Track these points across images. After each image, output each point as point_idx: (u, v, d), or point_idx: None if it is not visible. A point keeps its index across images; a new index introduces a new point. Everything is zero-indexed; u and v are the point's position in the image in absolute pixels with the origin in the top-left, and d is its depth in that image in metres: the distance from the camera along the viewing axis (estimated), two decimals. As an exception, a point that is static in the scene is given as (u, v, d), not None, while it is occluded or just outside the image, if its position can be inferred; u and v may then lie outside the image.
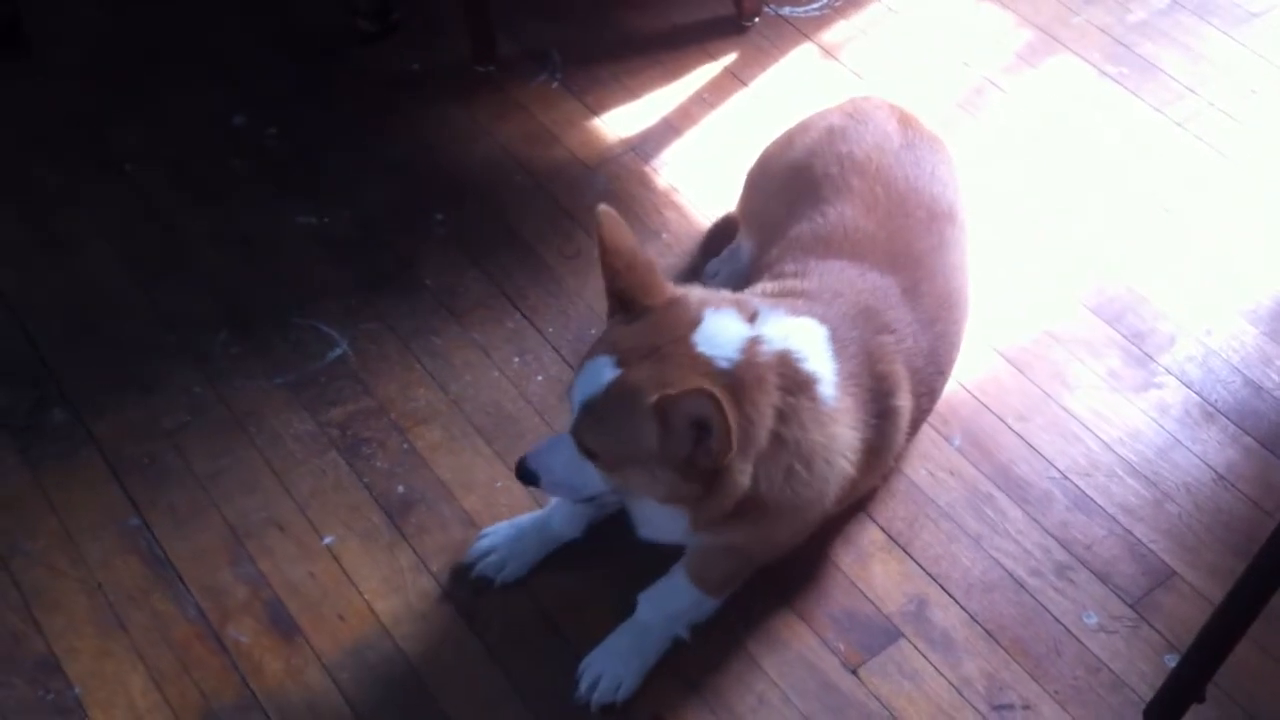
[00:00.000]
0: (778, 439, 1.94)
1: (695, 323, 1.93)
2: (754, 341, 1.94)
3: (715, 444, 1.83)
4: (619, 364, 1.90)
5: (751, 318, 2.00)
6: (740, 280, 2.50)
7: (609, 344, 1.95)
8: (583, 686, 2.10)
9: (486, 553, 2.25)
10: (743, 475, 1.92)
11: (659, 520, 2.08)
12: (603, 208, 1.99)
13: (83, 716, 2.11)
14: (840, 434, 2.03)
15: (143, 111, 3.04)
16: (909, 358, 2.17)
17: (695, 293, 2.03)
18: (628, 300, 1.98)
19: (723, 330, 1.94)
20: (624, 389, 1.88)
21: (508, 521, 2.29)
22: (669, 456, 1.87)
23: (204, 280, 2.71)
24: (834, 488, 2.04)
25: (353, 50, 3.17)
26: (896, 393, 2.13)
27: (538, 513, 2.29)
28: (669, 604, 2.14)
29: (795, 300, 2.13)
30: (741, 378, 1.90)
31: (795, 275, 2.21)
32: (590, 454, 1.94)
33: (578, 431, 1.94)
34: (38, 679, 2.15)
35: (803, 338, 2.02)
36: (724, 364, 1.90)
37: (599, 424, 1.92)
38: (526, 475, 2.02)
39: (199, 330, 2.62)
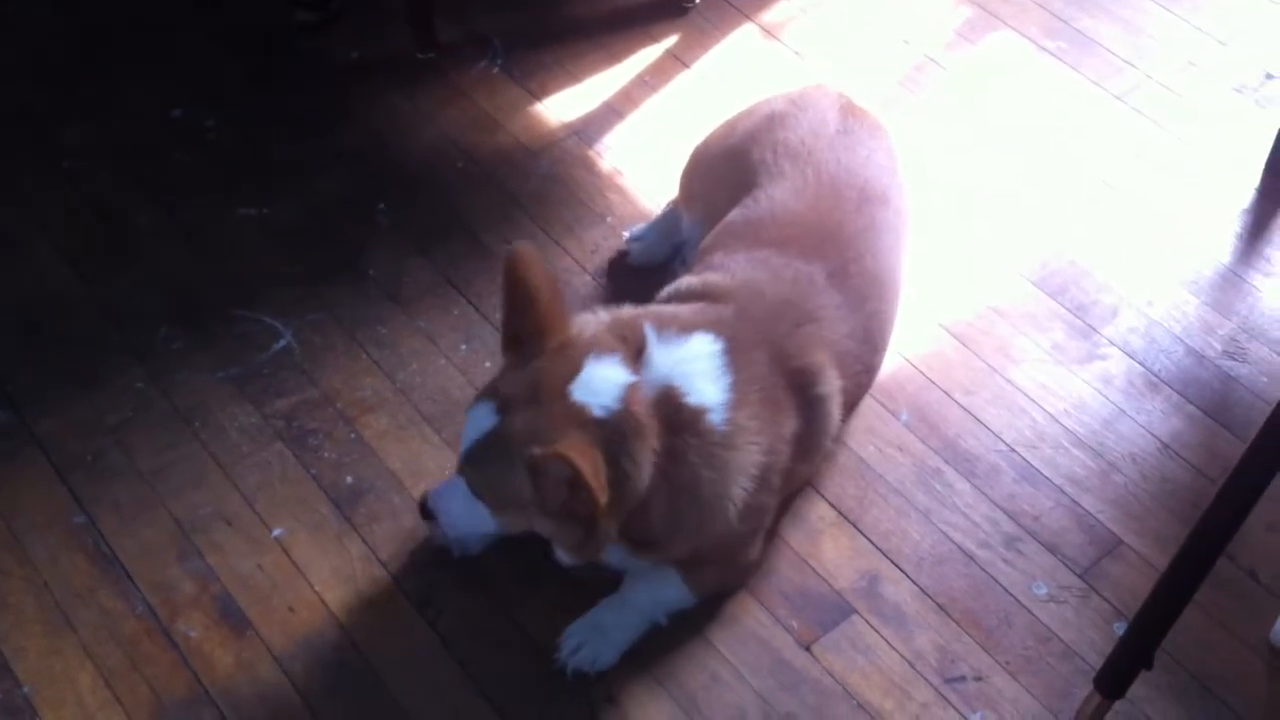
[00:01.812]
0: (664, 478, 1.96)
1: (575, 371, 1.94)
2: (633, 388, 1.95)
3: (586, 500, 1.85)
4: (499, 410, 1.94)
5: (638, 352, 2.00)
6: (670, 249, 2.62)
7: (493, 389, 1.98)
8: (564, 651, 2.12)
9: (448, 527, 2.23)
10: (618, 519, 1.94)
11: (612, 552, 2.08)
12: (519, 245, 1.99)
13: (32, 715, 2.08)
14: (732, 459, 2.02)
15: (84, 106, 3.00)
16: (835, 342, 2.19)
17: (586, 332, 2.02)
18: (522, 340, 1.99)
19: (602, 378, 1.94)
20: (500, 439, 1.92)
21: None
22: (545, 507, 1.91)
23: (147, 274, 2.68)
24: (733, 510, 2.04)
25: (294, 41, 3.15)
26: (818, 382, 2.14)
27: None
28: (655, 587, 2.15)
29: (703, 306, 2.13)
30: (619, 427, 1.91)
31: (721, 268, 2.22)
32: (478, 496, 2.01)
33: (465, 476, 2.02)
34: (-15, 680, 2.13)
35: (690, 366, 2.01)
36: (601, 413, 1.91)
37: (479, 471, 1.99)
38: (426, 514, 2.13)
39: (142, 325, 2.59)
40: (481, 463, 1.97)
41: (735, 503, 2.03)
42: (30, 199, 2.82)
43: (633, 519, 1.97)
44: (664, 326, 2.05)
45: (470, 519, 2.06)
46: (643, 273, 2.62)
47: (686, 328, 2.06)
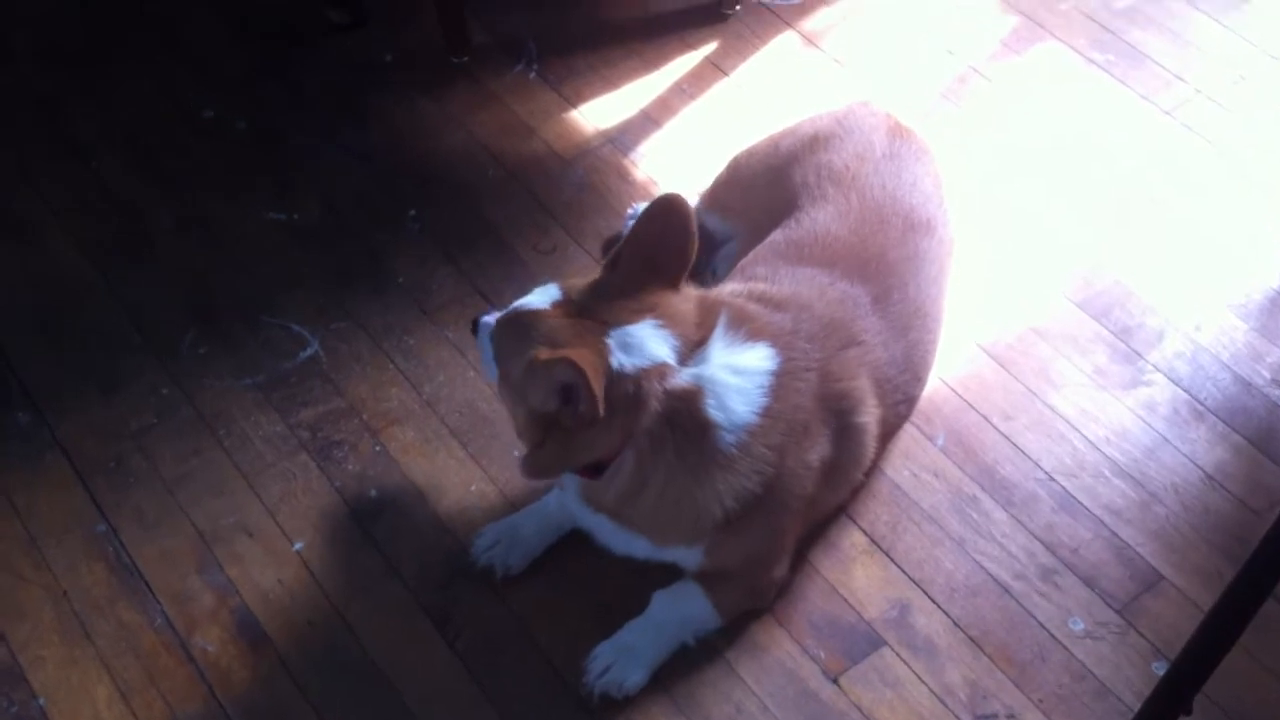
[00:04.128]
0: (637, 460, 1.94)
1: (629, 322, 1.92)
2: (661, 368, 1.91)
3: (581, 411, 1.85)
4: (552, 304, 1.96)
5: (700, 343, 1.96)
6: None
7: (570, 284, 1.99)
8: (591, 673, 2.08)
9: (490, 545, 2.21)
10: (572, 458, 1.96)
11: (621, 539, 2.09)
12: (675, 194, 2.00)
13: (46, 728, 2.07)
14: (722, 480, 1.96)
15: (111, 104, 2.97)
16: (877, 368, 2.14)
17: (675, 302, 1.98)
18: (629, 269, 1.97)
19: (641, 342, 1.91)
20: (532, 324, 1.94)
21: (504, 520, 2.25)
22: (531, 404, 1.92)
23: (172, 277, 2.66)
24: (703, 526, 2.00)
25: (324, 41, 3.11)
26: (858, 410, 2.10)
27: (533, 504, 2.25)
28: (682, 605, 2.11)
29: (763, 312, 2.08)
30: (621, 388, 1.89)
31: (766, 279, 2.18)
32: (495, 349, 2.03)
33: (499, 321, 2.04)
34: (1, 689, 2.10)
35: (734, 379, 1.96)
36: (615, 365, 1.89)
37: (503, 332, 2.01)
38: (475, 327, 2.14)
39: (167, 328, 2.57)
40: (509, 328, 1.99)
41: (704, 519, 1.99)
42: (54, 197, 2.79)
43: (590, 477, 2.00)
44: (736, 326, 2.01)
45: (486, 356, 2.08)
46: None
47: (754, 335, 2.01)
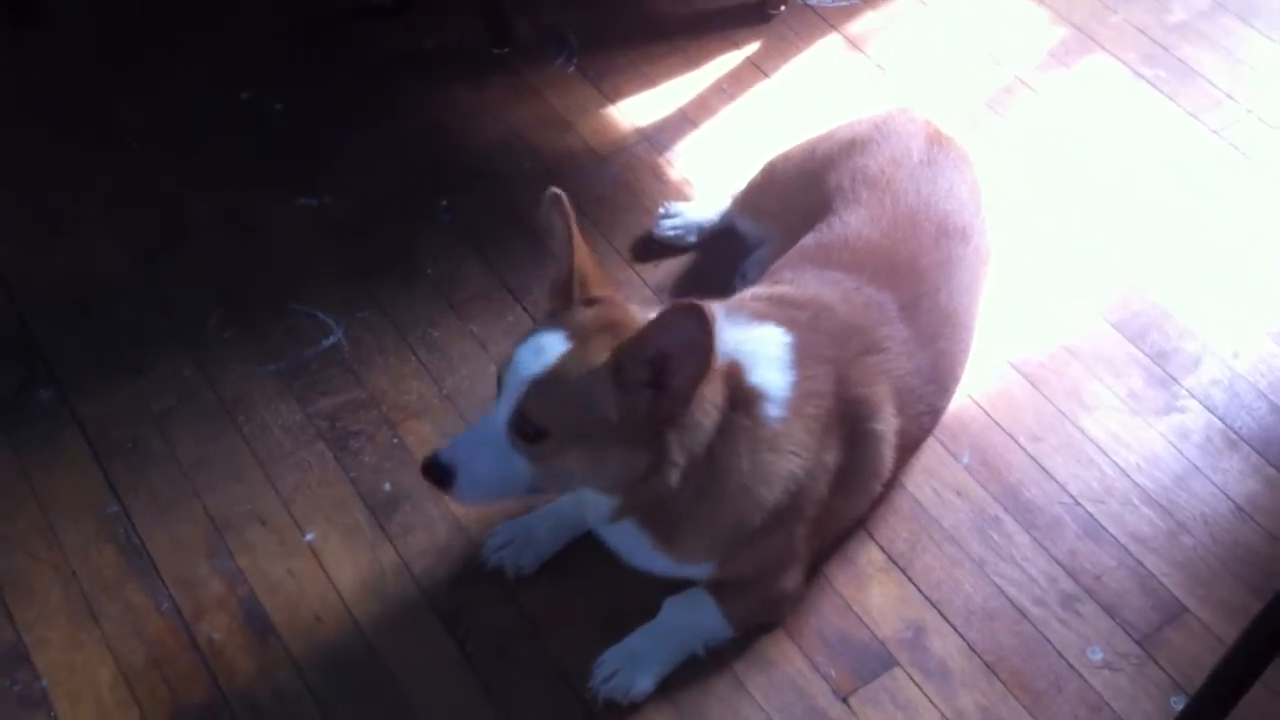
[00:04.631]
0: (707, 452, 1.88)
1: (642, 318, 1.86)
2: None
3: (693, 366, 1.74)
4: (571, 337, 1.83)
5: None
6: (697, 234, 2.64)
7: (556, 322, 1.86)
8: (597, 678, 2.05)
9: (502, 545, 2.18)
10: (683, 451, 1.85)
11: (640, 553, 2.05)
12: (556, 191, 1.89)
13: (49, 709, 2.06)
14: (771, 462, 1.93)
15: (149, 87, 2.98)
16: (899, 377, 2.10)
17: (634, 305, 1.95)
18: (581, 284, 1.89)
19: None
20: (582, 358, 1.80)
21: (517, 520, 2.21)
22: (627, 413, 1.79)
23: (202, 261, 2.65)
24: (752, 517, 1.95)
25: (365, 25, 3.10)
26: (875, 416, 2.06)
27: (547, 505, 2.21)
28: (693, 613, 2.08)
29: (773, 306, 2.05)
30: None
31: (790, 283, 2.14)
32: (534, 435, 1.83)
33: (523, 409, 1.82)
34: (5, 669, 2.10)
35: (757, 348, 1.94)
36: None
37: (552, 396, 1.81)
38: (437, 472, 1.87)
39: (193, 311, 2.56)
40: (556, 385, 1.80)
41: (759, 507, 1.94)
42: (89, 178, 2.80)
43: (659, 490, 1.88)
44: (734, 311, 1.98)
45: (500, 470, 1.86)
46: (704, 288, 2.53)
47: (758, 316, 1.99)
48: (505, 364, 1.87)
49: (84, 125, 2.90)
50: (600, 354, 1.80)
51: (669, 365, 1.76)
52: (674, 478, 1.87)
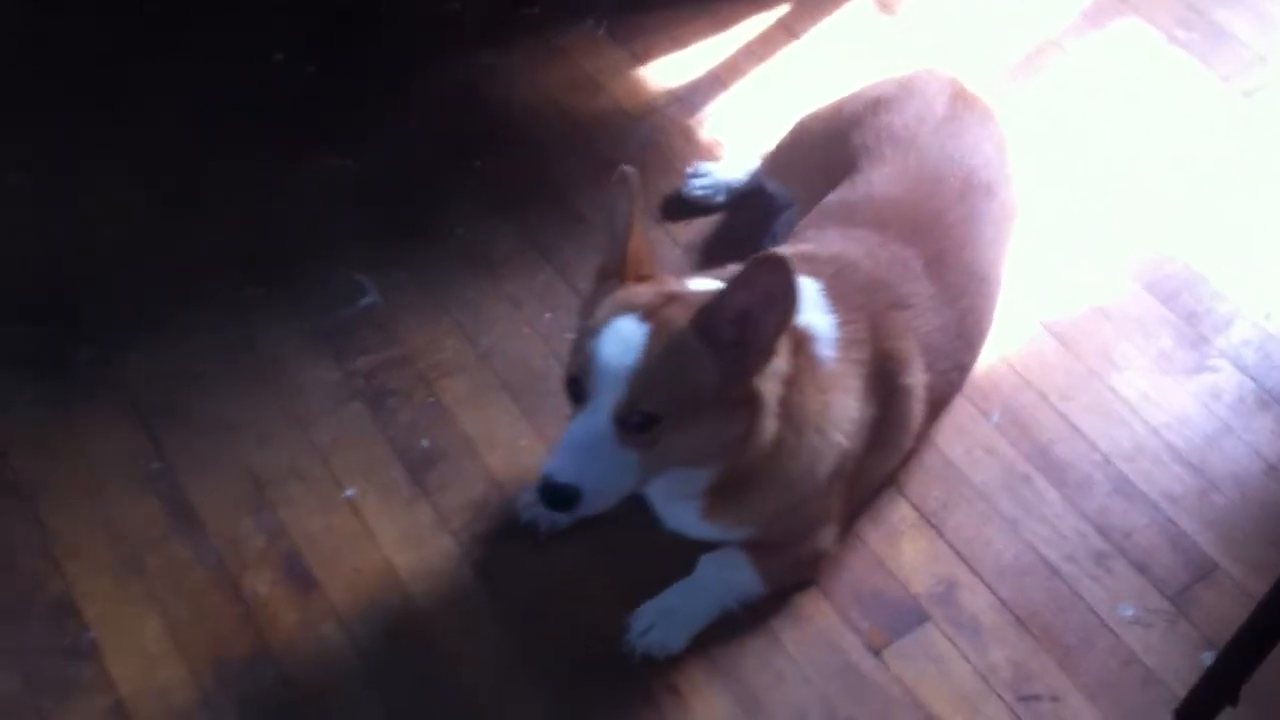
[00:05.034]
0: (780, 405, 1.89)
1: (688, 287, 1.89)
2: None
3: (778, 315, 1.75)
4: (644, 318, 1.81)
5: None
6: (726, 195, 2.66)
7: (620, 306, 1.84)
8: (633, 632, 2.08)
9: (534, 501, 2.19)
10: (771, 400, 1.86)
11: (681, 513, 2.06)
12: (629, 169, 1.89)
13: (96, 660, 2.09)
14: (836, 401, 1.96)
15: (181, 47, 2.99)
16: (926, 334, 2.11)
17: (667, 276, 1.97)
18: (635, 263, 1.90)
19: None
20: (671, 334, 1.79)
21: None
22: (724, 374, 1.79)
23: (235, 222, 2.67)
24: (826, 460, 1.97)
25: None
26: (905, 371, 2.07)
27: None
28: (727, 571, 2.10)
29: (797, 262, 2.05)
30: None
31: (813, 240, 2.16)
32: (644, 424, 1.79)
33: (630, 403, 1.79)
34: (54, 620, 2.14)
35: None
36: None
37: (655, 379, 1.78)
38: (560, 497, 1.81)
39: (230, 271, 2.59)
40: (657, 368, 1.78)
41: (829, 447, 1.96)
42: (123, 139, 2.82)
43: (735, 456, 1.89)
44: None
45: (617, 472, 1.82)
46: (733, 248, 2.55)
47: None
48: (585, 366, 1.82)
49: (117, 88, 2.92)
50: (681, 325, 1.80)
51: (751, 318, 1.78)
52: (772, 427, 1.88)
